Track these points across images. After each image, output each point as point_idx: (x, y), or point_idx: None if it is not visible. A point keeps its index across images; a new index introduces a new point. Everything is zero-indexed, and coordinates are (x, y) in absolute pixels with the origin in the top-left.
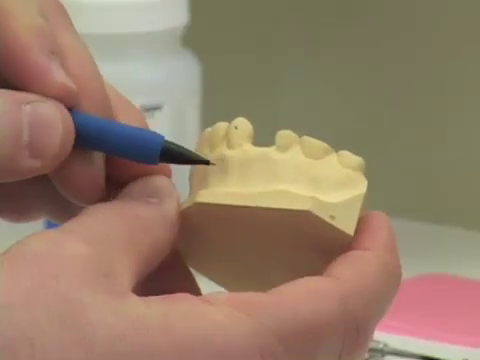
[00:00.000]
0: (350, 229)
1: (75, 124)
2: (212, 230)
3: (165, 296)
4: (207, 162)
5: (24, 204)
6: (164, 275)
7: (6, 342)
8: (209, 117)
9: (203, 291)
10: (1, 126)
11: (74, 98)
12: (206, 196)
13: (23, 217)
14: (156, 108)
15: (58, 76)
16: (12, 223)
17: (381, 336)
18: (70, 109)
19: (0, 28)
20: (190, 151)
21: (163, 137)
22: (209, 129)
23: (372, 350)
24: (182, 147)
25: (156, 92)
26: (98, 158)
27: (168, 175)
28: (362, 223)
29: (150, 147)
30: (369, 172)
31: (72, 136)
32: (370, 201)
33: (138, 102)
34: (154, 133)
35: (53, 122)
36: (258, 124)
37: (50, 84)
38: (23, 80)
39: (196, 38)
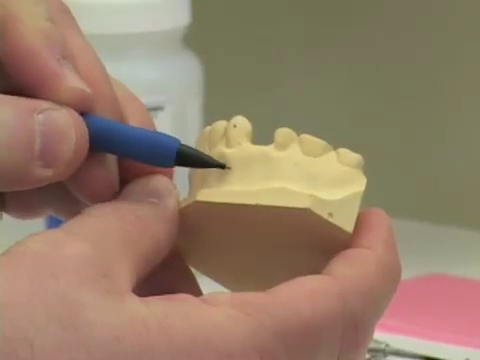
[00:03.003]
0: (349, 226)
1: (89, 128)
2: (212, 228)
3: (164, 296)
4: (223, 166)
5: (31, 201)
6: (164, 274)
7: (6, 343)
8: (211, 117)
9: (203, 291)
10: (13, 136)
11: (89, 102)
12: (205, 195)
13: (30, 214)
14: (158, 108)
15: (72, 81)
16: (14, 222)
17: (383, 336)
18: (82, 113)
19: (10, 34)
20: (206, 155)
21: (179, 141)
22: (208, 127)
23: (374, 350)
24: (198, 151)
25: (158, 92)
26: (111, 160)
27: (170, 175)
28: (361, 220)
29: (166, 151)
30: (369, 172)
31: (86, 143)
32: (370, 201)
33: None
34: (169, 137)
35: (66, 130)
36: (259, 124)
37: (64, 90)
38: (36, 86)
39: (198, 38)
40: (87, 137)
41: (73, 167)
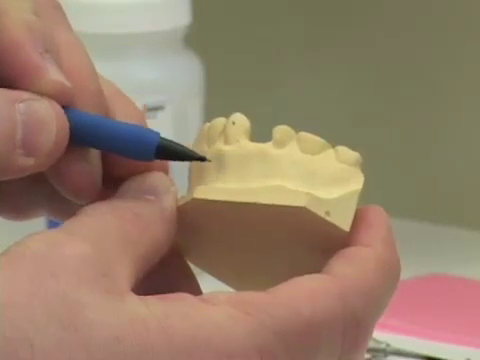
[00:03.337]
0: (346, 225)
1: (70, 122)
2: (210, 226)
3: (164, 296)
4: (203, 158)
5: (23, 202)
6: (164, 272)
7: (6, 343)
8: (211, 117)
9: (204, 289)
10: None
11: (69, 96)
12: (203, 192)
13: (23, 215)
14: (158, 108)
15: (53, 74)
16: (14, 222)
17: (383, 336)
18: (64, 106)
19: None
20: (186, 148)
21: (158, 134)
22: (208, 124)
23: (374, 350)
24: (178, 144)
25: (158, 92)
26: (94, 155)
27: (165, 171)
28: (359, 217)
29: (146, 144)
30: (369, 172)
31: (66, 134)
32: (370, 201)
33: (140, 102)
34: (149, 130)
35: (47, 120)
36: (259, 123)
37: (44, 82)
38: (17, 78)
39: (198, 38)
40: (67, 128)
41: (53, 157)
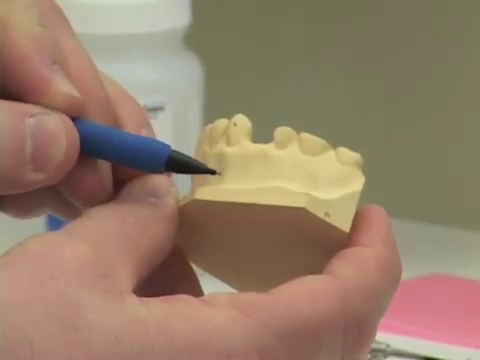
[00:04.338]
0: (345, 226)
1: (79, 134)
2: (211, 226)
3: (165, 297)
4: (213, 172)
5: (28, 200)
6: (165, 273)
7: (6, 343)
8: (211, 117)
9: (206, 291)
10: (3, 140)
11: (80, 107)
12: (204, 193)
13: (28, 213)
14: (158, 109)
15: (62, 86)
16: (14, 222)
17: (384, 337)
18: (73, 118)
19: (1, 40)
20: (196, 160)
21: (169, 146)
22: (210, 125)
23: (374, 351)
24: (188, 157)
25: (158, 93)
26: (103, 163)
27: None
28: (360, 217)
29: (156, 157)
30: (369, 172)
31: (77, 147)
32: (369, 201)
33: (140, 103)
34: (160, 142)
35: (57, 134)
36: (259, 124)
37: (54, 95)
38: (27, 92)
39: (198, 39)
40: (78, 142)
41: (64, 171)
